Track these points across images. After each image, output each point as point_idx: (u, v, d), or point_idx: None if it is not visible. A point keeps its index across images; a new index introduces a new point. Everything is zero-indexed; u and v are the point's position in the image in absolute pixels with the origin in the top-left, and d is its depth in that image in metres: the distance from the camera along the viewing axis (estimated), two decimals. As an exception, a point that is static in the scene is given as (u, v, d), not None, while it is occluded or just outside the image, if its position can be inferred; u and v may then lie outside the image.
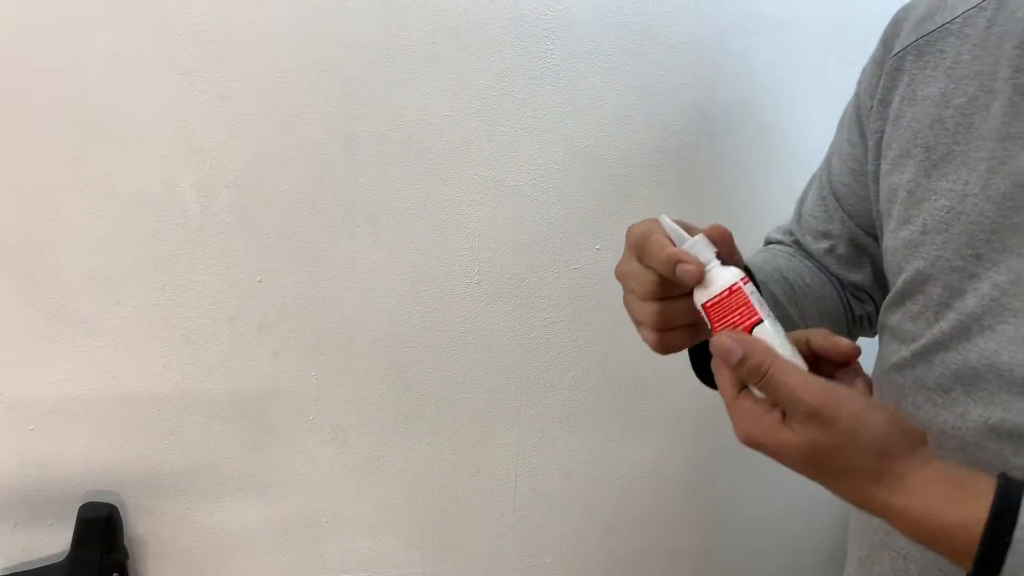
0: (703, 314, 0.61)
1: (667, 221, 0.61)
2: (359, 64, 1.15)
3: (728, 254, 0.62)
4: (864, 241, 0.84)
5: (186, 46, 1.09)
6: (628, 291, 0.66)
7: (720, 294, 0.59)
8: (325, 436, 1.27)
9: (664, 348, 0.67)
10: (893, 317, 0.74)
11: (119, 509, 1.20)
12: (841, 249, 0.86)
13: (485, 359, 1.31)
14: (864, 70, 0.81)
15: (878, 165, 0.77)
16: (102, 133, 1.09)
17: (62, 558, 1.18)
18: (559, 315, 1.33)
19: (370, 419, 1.28)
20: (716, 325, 0.60)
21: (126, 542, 1.21)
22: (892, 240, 0.73)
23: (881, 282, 0.84)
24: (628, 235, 0.64)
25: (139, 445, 1.20)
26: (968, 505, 0.53)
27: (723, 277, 0.59)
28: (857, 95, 0.82)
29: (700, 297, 0.60)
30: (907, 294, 0.71)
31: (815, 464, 0.57)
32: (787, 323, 0.76)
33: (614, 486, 1.43)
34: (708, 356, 0.63)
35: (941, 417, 0.66)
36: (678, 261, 0.59)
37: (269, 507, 1.27)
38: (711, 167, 1.32)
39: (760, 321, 0.59)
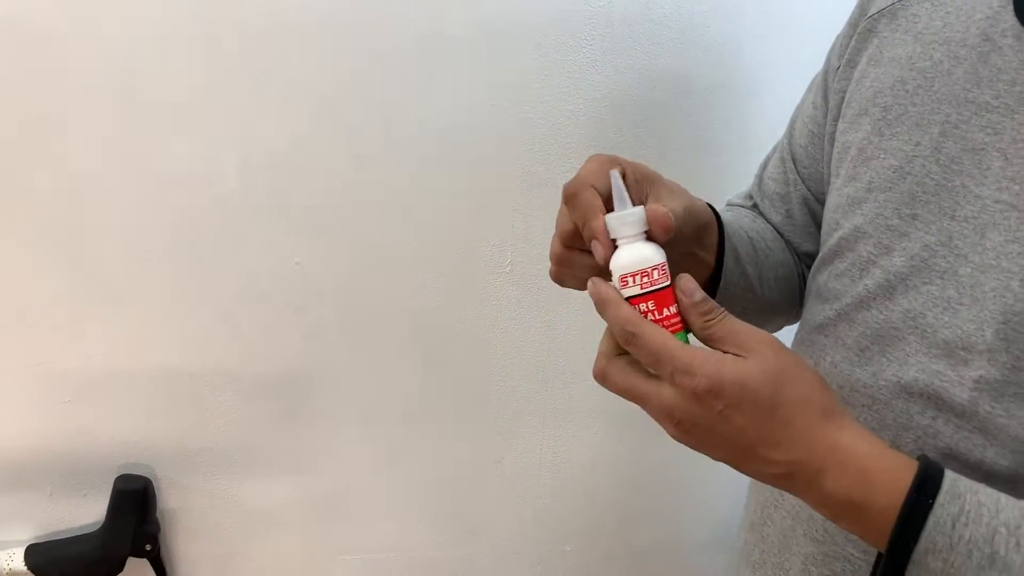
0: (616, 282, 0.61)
1: (617, 180, 0.60)
2: (399, 52, 1.16)
3: (661, 240, 0.61)
4: (815, 208, 0.84)
5: (229, 29, 1.10)
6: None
7: (633, 273, 0.59)
8: (354, 418, 1.29)
9: (559, 282, 0.69)
10: (820, 278, 0.74)
11: (153, 482, 1.23)
12: (796, 215, 0.85)
13: (514, 348, 1.33)
14: (839, 35, 0.81)
15: (836, 126, 0.76)
16: (145, 114, 1.11)
17: (95, 528, 1.20)
18: (589, 306, 1.34)
19: (399, 403, 1.30)
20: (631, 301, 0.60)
21: (158, 515, 1.24)
22: (836, 197, 0.73)
23: None
24: (588, 161, 0.64)
25: (174, 420, 1.22)
26: (901, 459, 0.54)
27: (641, 254, 0.59)
28: (828, 59, 0.82)
29: (614, 269, 0.60)
30: (838, 252, 0.71)
31: (780, 394, 0.54)
32: (744, 281, 0.77)
33: (637, 477, 1.44)
34: None
35: (855, 375, 0.67)
36: (593, 238, 0.59)
37: (297, 486, 1.30)
38: (749, 167, 1.32)
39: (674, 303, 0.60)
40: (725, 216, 0.78)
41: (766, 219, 0.88)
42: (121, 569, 1.19)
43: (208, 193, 1.15)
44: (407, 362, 1.29)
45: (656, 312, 0.59)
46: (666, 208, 0.60)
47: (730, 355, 0.55)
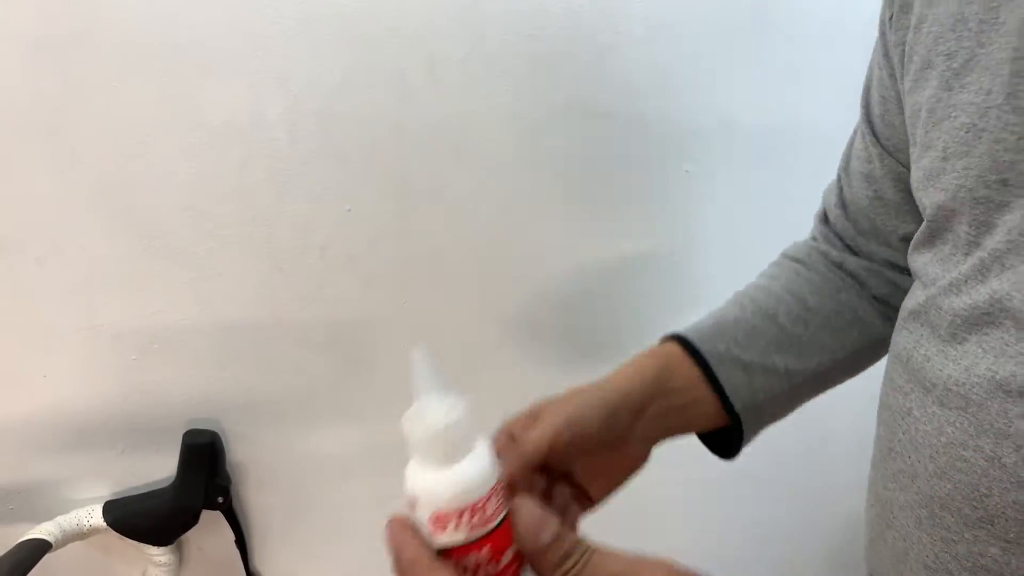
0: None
1: (421, 366, 0.43)
2: (441, -16, 1.12)
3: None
4: (908, 181, 0.71)
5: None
6: None
7: (456, 511, 0.43)
8: (417, 362, 1.27)
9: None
10: (921, 259, 0.64)
11: (220, 436, 1.23)
12: (888, 193, 0.74)
13: (576, 283, 1.30)
14: None
15: (902, 86, 0.65)
16: (188, 65, 1.09)
17: (168, 483, 1.22)
18: (648, 240, 1.30)
19: (461, 344, 1.29)
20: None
21: (228, 468, 1.25)
22: (916, 171, 0.62)
23: None
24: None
25: (236, 373, 1.22)
26: None
27: (467, 476, 0.43)
28: (882, 7, 0.69)
29: (419, 506, 0.44)
30: (934, 234, 0.61)
31: None
32: (774, 382, 0.72)
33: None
34: None
35: (947, 371, 0.57)
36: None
37: (363, 433, 1.29)
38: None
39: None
40: (716, 322, 0.73)
41: (854, 205, 0.78)
42: (196, 522, 1.20)
43: (256, 142, 1.13)
44: (467, 303, 1.27)
45: (493, 562, 0.42)
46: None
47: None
